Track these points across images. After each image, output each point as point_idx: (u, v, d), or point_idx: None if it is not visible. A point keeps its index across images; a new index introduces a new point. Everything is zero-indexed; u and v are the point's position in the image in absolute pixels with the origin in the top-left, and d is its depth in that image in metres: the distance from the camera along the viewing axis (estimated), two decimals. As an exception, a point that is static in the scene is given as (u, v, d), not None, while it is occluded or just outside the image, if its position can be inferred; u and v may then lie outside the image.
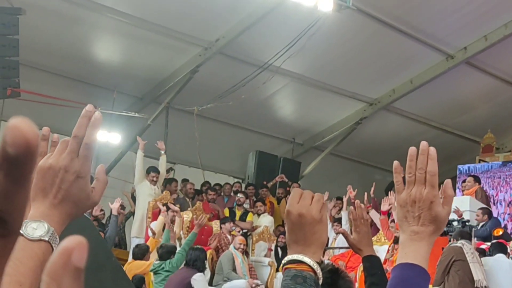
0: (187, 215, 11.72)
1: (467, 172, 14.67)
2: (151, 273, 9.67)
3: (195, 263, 8.71)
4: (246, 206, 13.70)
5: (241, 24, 12.40)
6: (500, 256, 8.87)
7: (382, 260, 10.23)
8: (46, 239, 1.22)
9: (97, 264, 2.97)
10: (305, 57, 13.15)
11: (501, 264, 8.71)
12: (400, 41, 13.21)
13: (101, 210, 13.23)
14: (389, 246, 10.34)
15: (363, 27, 12.72)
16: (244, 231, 12.55)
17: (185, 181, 14.01)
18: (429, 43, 13.35)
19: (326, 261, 2.20)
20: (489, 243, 9.52)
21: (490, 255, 9.11)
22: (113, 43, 13.07)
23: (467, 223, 9.70)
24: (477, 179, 12.27)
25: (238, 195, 13.54)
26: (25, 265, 1.18)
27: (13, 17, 10.69)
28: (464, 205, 10.90)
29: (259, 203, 13.54)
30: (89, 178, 1.34)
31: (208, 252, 10.70)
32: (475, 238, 9.57)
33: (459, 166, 15.08)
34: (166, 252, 9.34)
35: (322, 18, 11.93)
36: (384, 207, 11.81)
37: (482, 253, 9.12)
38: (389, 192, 12.03)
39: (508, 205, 13.79)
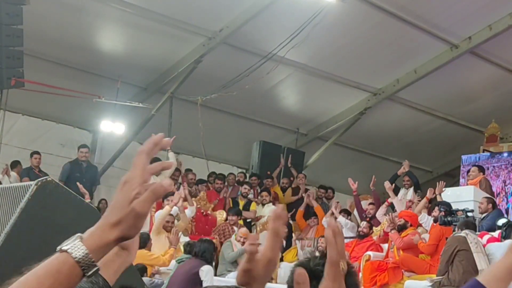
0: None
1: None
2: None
3: (204, 254, 8.72)
4: (250, 196, 13.73)
5: (245, 14, 12.38)
6: (508, 242, 8.78)
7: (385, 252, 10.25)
8: (65, 248, 1.25)
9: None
10: (309, 47, 13.12)
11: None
12: (404, 31, 13.17)
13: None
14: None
15: (367, 16, 12.68)
16: (248, 220, 12.57)
17: (187, 171, 14.04)
18: (434, 32, 13.31)
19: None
20: (493, 233, 9.49)
21: (505, 238, 8.98)
22: (117, 33, 13.06)
23: (469, 213, 9.66)
24: (481, 169, 12.23)
25: (243, 186, 13.52)
26: (41, 268, 1.24)
27: (17, 7, 10.70)
28: (468, 195, 10.88)
29: (264, 193, 13.54)
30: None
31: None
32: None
33: (463, 156, 15.05)
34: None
35: (326, 7, 11.91)
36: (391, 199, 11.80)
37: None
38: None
39: (496, 196, 13.72)
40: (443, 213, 9.75)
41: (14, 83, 11.32)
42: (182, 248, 10.07)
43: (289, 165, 15.34)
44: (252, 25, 12.63)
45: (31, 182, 3.11)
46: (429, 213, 10.82)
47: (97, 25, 12.67)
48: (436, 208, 10.33)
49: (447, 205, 10.04)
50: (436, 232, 9.62)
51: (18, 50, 11.08)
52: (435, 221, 10.22)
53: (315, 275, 1.86)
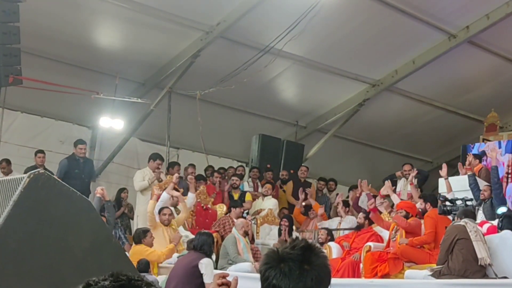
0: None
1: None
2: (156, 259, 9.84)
3: (203, 247, 8.72)
4: (250, 189, 13.72)
5: (242, 7, 12.36)
6: (506, 233, 8.80)
7: (386, 241, 10.26)
8: None
9: (97, 245, 3.01)
10: (306, 39, 13.12)
11: (506, 241, 8.66)
12: (401, 22, 13.16)
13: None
14: (391, 229, 10.35)
15: (364, 7, 12.67)
16: (246, 212, 12.57)
17: (188, 165, 14.04)
18: (431, 22, 13.29)
19: (300, 237, 2.24)
20: (493, 222, 9.49)
21: (501, 229, 8.98)
22: (114, 29, 13.05)
23: (468, 202, 9.65)
24: (477, 157, 12.25)
25: (232, 178, 13.46)
26: None
27: (13, 4, 10.69)
28: (466, 184, 10.88)
29: (268, 185, 13.55)
30: None
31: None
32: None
33: (463, 146, 15.04)
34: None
35: (322, -1, 11.90)
36: (384, 191, 11.81)
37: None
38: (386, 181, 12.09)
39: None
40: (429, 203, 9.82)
41: (12, 81, 11.32)
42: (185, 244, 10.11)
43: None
44: (249, 18, 12.61)
45: (24, 175, 3.12)
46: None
47: (94, 21, 12.65)
48: (421, 200, 10.46)
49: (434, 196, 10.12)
50: (429, 221, 9.65)
51: (15, 47, 11.06)
52: (422, 213, 10.26)
53: (282, 258, 2.13)
